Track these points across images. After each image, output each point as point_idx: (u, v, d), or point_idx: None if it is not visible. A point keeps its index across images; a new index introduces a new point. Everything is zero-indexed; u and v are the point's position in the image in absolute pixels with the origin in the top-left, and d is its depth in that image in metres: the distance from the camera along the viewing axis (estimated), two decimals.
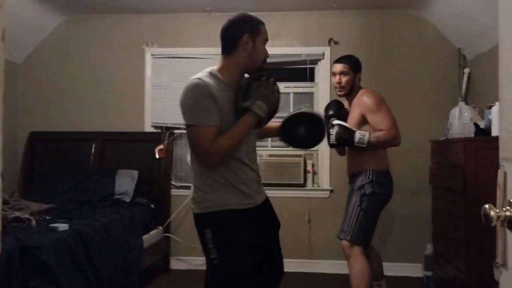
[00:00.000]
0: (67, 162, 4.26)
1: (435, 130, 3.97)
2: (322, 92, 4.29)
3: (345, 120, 2.85)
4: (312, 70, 4.43)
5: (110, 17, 4.49)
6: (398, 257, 4.12)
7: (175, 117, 4.35)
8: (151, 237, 3.80)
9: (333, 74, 2.91)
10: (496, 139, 2.92)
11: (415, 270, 4.05)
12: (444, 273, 3.45)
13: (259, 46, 1.84)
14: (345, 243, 2.76)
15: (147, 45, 4.47)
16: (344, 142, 2.72)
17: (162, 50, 4.44)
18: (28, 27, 4.29)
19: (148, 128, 4.43)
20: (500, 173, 1.00)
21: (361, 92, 2.84)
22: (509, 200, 0.94)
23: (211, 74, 1.84)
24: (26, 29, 4.28)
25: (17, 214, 2.89)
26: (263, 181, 4.41)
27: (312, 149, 4.37)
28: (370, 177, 2.75)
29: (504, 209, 0.93)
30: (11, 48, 4.29)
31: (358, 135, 2.65)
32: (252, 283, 1.88)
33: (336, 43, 4.29)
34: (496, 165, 2.95)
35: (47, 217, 3.10)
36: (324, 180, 4.30)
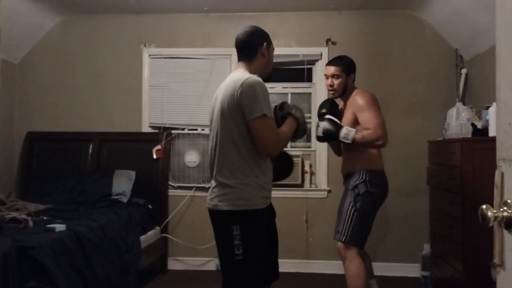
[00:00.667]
0: (64, 163, 4.25)
1: (433, 131, 3.98)
2: (319, 92, 4.29)
3: (339, 119, 2.86)
4: (310, 71, 4.43)
5: (108, 17, 4.48)
6: (396, 257, 4.13)
7: (172, 118, 4.35)
8: (148, 237, 3.79)
9: (325, 76, 2.89)
10: (493, 139, 2.94)
11: (412, 270, 4.05)
12: (441, 273, 3.45)
13: (272, 55, 2.12)
14: (340, 244, 2.75)
15: (145, 45, 4.46)
16: (329, 135, 2.71)
17: (159, 50, 4.43)
18: (25, 27, 4.28)
19: (146, 129, 4.43)
20: (497, 174, 1.01)
21: (355, 92, 2.83)
22: (506, 201, 0.94)
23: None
24: (23, 29, 4.27)
25: (14, 214, 2.88)
26: None
27: (310, 149, 4.40)
28: (364, 177, 2.72)
29: (501, 209, 0.93)
30: (8, 48, 4.28)
31: (344, 130, 2.64)
32: (262, 279, 2.04)
33: (333, 43, 4.29)
34: (494, 166, 2.96)
35: (44, 218, 3.09)
36: (322, 180, 4.30)
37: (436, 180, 3.56)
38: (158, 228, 4.07)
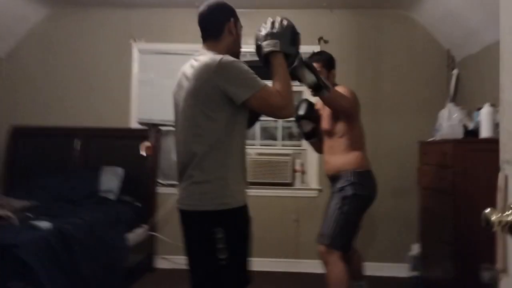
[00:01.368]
0: (50, 158, 4.16)
1: (423, 131, 3.96)
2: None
3: (316, 121, 2.84)
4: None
5: (97, 10, 4.40)
6: (385, 257, 4.12)
7: (162, 114, 4.28)
8: (136, 235, 3.73)
9: None
10: (485, 141, 2.92)
11: (401, 270, 4.04)
12: (431, 274, 3.45)
13: (240, 33, 1.90)
14: (322, 248, 2.63)
15: (135, 40, 4.38)
16: (314, 86, 2.47)
17: (149, 45, 4.37)
18: (12, 19, 4.17)
19: (134, 125, 4.36)
20: (500, 177, 0.98)
21: (335, 87, 2.72)
22: (510, 205, 0.91)
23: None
24: (10, 22, 4.17)
25: None
26: (251, 180, 4.38)
27: (300, 147, 4.36)
28: (351, 178, 2.64)
29: (506, 214, 0.90)
30: None
31: (322, 79, 2.45)
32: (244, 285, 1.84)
33: (326, 42, 4.26)
34: (485, 167, 2.93)
35: (29, 215, 3.01)
36: (313, 179, 4.27)
37: (427, 180, 3.55)
38: (145, 226, 4.01)
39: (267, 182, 4.23)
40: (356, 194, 2.62)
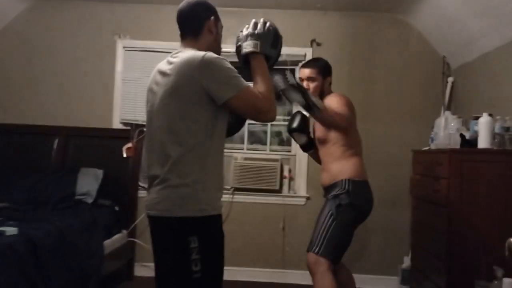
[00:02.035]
0: (26, 158, 3.94)
1: (417, 139, 3.84)
2: None
3: (308, 132, 2.73)
4: (292, 71, 4.24)
5: (80, 4, 4.20)
6: (375, 270, 3.98)
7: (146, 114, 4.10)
8: (114, 241, 3.53)
9: (300, 79, 2.64)
10: (483, 151, 2.80)
11: (392, 283, 3.90)
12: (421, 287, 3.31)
13: (220, 32, 1.84)
14: (311, 257, 2.48)
15: (119, 37, 4.20)
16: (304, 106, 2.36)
17: (134, 42, 4.18)
18: None
19: (117, 125, 4.17)
20: None
21: (330, 95, 2.63)
22: None
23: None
24: None
25: None
26: (237, 186, 4.21)
27: (289, 153, 4.22)
28: (347, 187, 2.49)
29: None
30: None
31: (313, 98, 2.34)
32: None
33: (318, 44, 4.13)
34: (481, 179, 2.78)
35: None
36: (301, 186, 4.12)
37: (420, 191, 3.42)
38: (125, 231, 3.81)
39: (253, 188, 4.07)
40: (352, 203, 2.47)
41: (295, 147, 4.08)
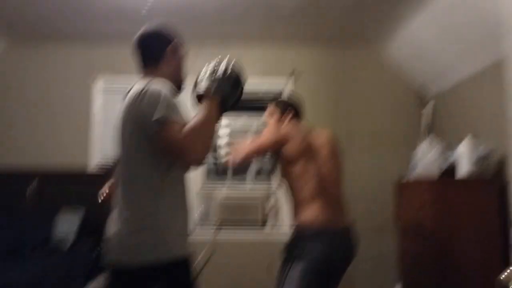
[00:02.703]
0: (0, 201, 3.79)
1: (399, 170, 3.83)
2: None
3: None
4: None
5: (57, 45, 4.17)
6: None
7: None
8: (96, 284, 3.37)
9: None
10: (463, 179, 2.79)
11: None
12: None
13: (182, 60, 1.74)
14: None
15: (96, 77, 4.16)
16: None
17: (112, 82, 4.15)
18: None
19: (94, 167, 4.07)
20: None
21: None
22: None
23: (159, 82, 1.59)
24: None
25: None
26: (219, 224, 4.07)
27: (272, 188, 4.16)
28: (300, 238, 2.20)
29: None
30: None
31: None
32: None
33: (297, 76, 4.16)
34: (465, 207, 2.73)
35: None
36: (285, 222, 4.04)
37: (405, 221, 3.38)
38: (106, 274, 3.64)
39: (236, 226, 3.98)
40: (307, 257, 2.12)
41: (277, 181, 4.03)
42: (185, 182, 1.61)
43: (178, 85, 1.70)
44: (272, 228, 4.05)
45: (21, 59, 4.20)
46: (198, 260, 3.99)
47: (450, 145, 3.20)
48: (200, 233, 4.07)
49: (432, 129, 3.97)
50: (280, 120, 2.47)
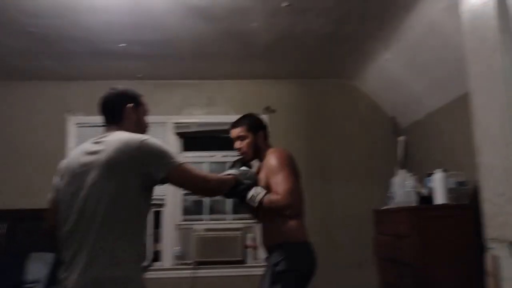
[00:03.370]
0: None
1: (376, 199, 3.86)
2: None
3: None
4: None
5: (31, 84, 4.14)
6: None
7: None
8: None
9: (232, 140, 2.55)
10: (440, 207, 2.82)
11: None
12: None
13: (141, 116, 1.95)
14: None
15: (71, 114, 4.13)
16: (235, 192, 2.25)
17: (88, 118, 4.11)
18: None
19: None
20: (489, 258, 0.80)
21: (268, 151, 2.45)
22: None
23: None
24: None
25: None
26: (198, 259, 4.03)
27: (251, 221, 4.12)
28: (283, 252, 2.27)
29: None
30: None
31: (253, 191, 2.25)
32: None
33: (273, 111, 4.21)
34: (442, 234, 2.75)
35: None
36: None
37: (384, 250, 3.38)
38: None
39: (216, 261, 3.92)
40: (288, 270, 2.24)
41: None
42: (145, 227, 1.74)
43: None
44: (253, 261, 3.99)
45: None
46: None
47: (424, 175, 3.26)
48: (179, 269, 3.99)
49: (408, 157, 4.04)
50: (254, 141, 2.46)
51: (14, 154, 4.06)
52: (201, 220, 4.20)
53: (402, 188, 3.18)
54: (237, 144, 2.49)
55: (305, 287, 2.32)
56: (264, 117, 4.15)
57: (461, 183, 2.96)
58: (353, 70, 4.03)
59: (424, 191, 3.11)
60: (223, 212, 4.26)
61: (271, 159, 2.38)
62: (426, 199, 3.07)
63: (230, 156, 4.22)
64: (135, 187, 1.64)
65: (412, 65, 3.43)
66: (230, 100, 4.27)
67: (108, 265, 1.54)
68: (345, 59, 3.81)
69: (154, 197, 1.77)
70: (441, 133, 3.48)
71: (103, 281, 1.52)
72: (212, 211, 4.26)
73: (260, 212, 2.39)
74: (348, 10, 2.97)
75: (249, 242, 4.04)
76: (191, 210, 4.21)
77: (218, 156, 4.29)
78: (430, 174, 3.12)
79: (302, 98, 4.30)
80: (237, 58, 3.80)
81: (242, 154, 2.49)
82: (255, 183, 2.29)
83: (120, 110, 1.87)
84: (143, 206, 1.70)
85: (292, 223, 2.32)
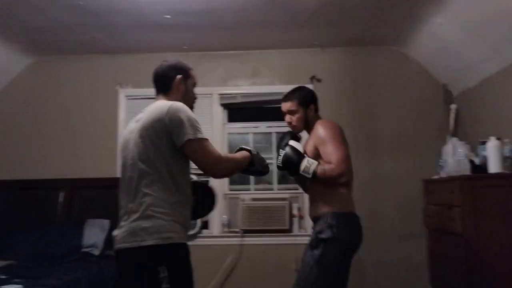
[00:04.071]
0: (31, 213, 3.90)
1: (425, 168, 3.78)
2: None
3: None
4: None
5: (81, 58, 4.28)
6: None
7: None
8: None
9: (282, 114, 2.53)
10: (495, 176, 2.72)
11: None
12: None
13: (190, 88, 2.03)
14: None
15: (121, 86, 4.25)
16: (290, 165, 2.31)
17: (136, 91, 4.22)
18: None
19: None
20: None
21: (317, 123, 2.44)
22: None
23: None
24: None
25: None
26: (245, 227, 4.11)
27: (297, 191, 4.14)
28: (329, 221, 2.24)
29: None
30: None
31: (305, 162, 2.26)
32: None
33: (318, 80, 4.15)
34: (496, 204, 2.68)
35: (3, 276, 2.73)
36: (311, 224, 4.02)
37: (435, 221, 3.32)
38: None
39: (262, 230, 3.99)
40: (335, 238, 2.22)
41: None
42: (188, 185, 1.87)
43: (189, 107, 1.95)
44: (299, 230, 4.04)
45: (47, 73, 4.33)
46: (226, 263, 4.02)
47: (476, 143, 3.14)
48: (227, 237, 4.10)
49: (459, 126, 3.90)
50: (305, 116, 2.45)
51: (70, 126, 4.25)
52: (248, 190, 4.26)
53: (454, 157, 3.09)
54: (288, 118, 2.49)
55: (347, 261, 2.27)
56: (310, 87, 4.13)
57: None
58: (403, 36, 3.88)
59: (477, 160, 3.01)
60: (270, 182, 4.30)
61: (320, 130, 2.37)
62: (479, 168, 2.97)
63: (275, 127, 4.24)
64: (166, 148, 1.75)
65: (466, 29, 3.26)
66: (275, 70, 4.24)
67: (142, 218, 1.69)
68: (394, 24, 3.67)
69: None
70: (495, 100, 3.32)
71: (136, 230, 1.68)
72: (259, 180, 4.31)
73: (308, 183, 2.42)
74: None
75: (295, 212, 4.07)
76: (238, 180, 4.28)
77: (263, 127, 4.30)
78: (483, 142, 3.00)
79: (349, 66, 4.20)
80: (282, 27, 3.75)
81: (292, 128, 2.49)
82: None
83: (170, 81, 1.96)
84: (177, 166, 1.78)
85: (340, 194, 2.32)
